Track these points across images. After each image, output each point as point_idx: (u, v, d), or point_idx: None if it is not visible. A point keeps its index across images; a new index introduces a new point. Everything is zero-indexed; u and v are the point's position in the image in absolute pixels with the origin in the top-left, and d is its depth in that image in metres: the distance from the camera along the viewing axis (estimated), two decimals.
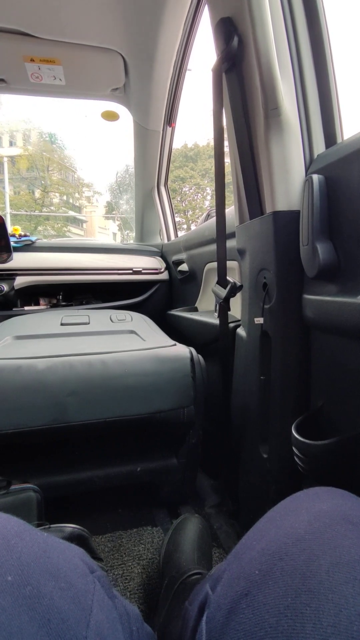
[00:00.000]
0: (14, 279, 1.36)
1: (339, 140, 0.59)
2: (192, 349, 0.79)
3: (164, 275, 1.59)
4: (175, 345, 0.83)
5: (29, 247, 1.43)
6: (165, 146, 1.58)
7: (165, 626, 0.50)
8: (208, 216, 1.42)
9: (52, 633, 0.22)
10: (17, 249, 1.38)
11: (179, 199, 17.28)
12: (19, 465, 0.73)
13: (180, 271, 1.43)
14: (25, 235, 1.43)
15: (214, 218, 0.75)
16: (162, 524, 0.83)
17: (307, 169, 0.58)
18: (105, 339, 0.93)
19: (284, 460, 0.61)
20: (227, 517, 0.83)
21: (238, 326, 0.78)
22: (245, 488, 0.75)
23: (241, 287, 0.70)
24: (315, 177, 0.51)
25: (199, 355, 0.78)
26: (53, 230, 17.07)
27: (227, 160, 0.73)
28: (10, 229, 1.35)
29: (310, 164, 0.58)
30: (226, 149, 0.72)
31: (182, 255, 1.41)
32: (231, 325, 0.78)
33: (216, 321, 0.88)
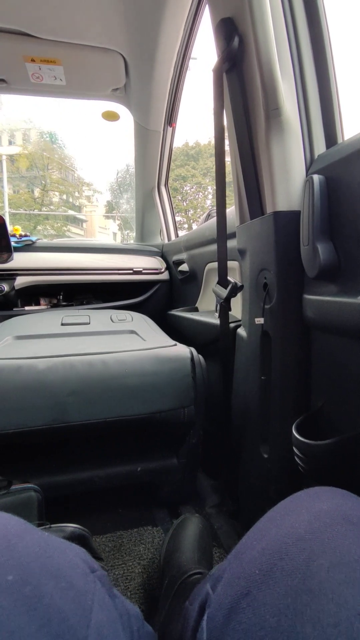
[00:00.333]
0: (15, 279, 1.36)
1: (339, 140, 0.59)
2: (193, 349, 0.79)
3: (165, 275, 1.59)
4: (175, 345, 0.83)
5: (29, 247, 1.43)
6: (165, 146, 1.58)
7: (165, 626, 0.50)
8: (208, 216, 1.42)
9: (53, 632, 0.22)
10: (17, 249, 1.38)
11: (180, 198, 17.19)
12: (20, 465, 0.73)
13: (180, 271, 1.43)
14: (25, 235, 1.43)
15: (215, 218, 0.75)
16: (162, 524, 0.83)
17: (307, 169, 0.58)
18: (105, 339, 0.93)
19: (284, 460, 0.61)
20: (227, 517, 0.83)
21: (238, 326, 0.78)
22: (246, 488, 0.75)
23: (242, 287, 0.70)
24: (315, 177, 0.51)
25: (200, 356, 0.78)
26: (53, 229, 17.00)
27: (228, 159, 0.73)
28: (10, 228, 1.35)
29: (310, 164, 0.58)
30: (227, 149, 0.72)
31: (183, 255, 1.41)
32: (232, 325, 0.78)
33: (217, 321, 0.88)
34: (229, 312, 0.77)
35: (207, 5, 0.68)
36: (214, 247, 1.04)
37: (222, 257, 0.74)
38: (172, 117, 1.47)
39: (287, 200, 0.58)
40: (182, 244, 1.41)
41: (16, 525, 0.28)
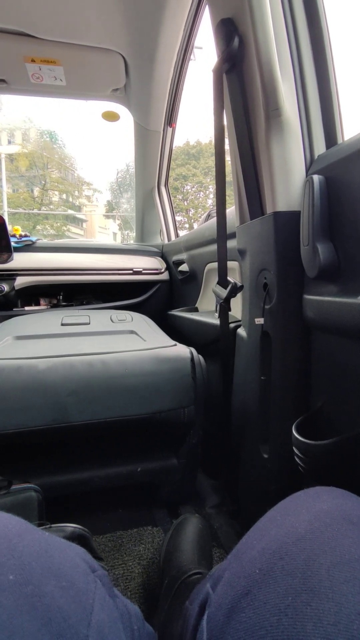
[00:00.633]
0: (15, 279, 1.36)
1: (339, 140, 0.59)
2: (193, 349, 0.79)
3: (165, 276, 1.59)
4: (175, 345, 0.83)
5: (29, 247, 1.43)
6: (165, 146, 1.58)
7: (166, 625, 0.50)
8: (209, 216, 1.42)
9: (54, 632, 0.22)
10: (17, 249, 1.38)
11: (180, 198, 17.12)
12: (20, 465, 0.73)
13: (180, 271, 1.44)
14: (25, 236, 1.43)
15: (215, 218, 0.75)
16: (162, 524, 0.83)
17: (307, 170, 0.58)
18: (105, 339, 0.93)
19: (284, 460, 0.61)
20: (227, 517, 0.83)
21: (238, 326, 0.78)
22: (246, 488, 0.75)
23: (242, 287, 0.70)
24: (315, 177, 0.51)
25: (200, 356, 0.78)
26: (52, 229, 16.93)
27: (228, 159, 0.73)
28: (10, 229, 1.35)
29: (310, 165, 0.58)
30: (227, 149, 0.72)
31: (183, 256, 1.41)
32: (232, 325, 0.78)
33: (217, 321, 0.88)
34: (229, 313, 0.77)
35: (207, 6, 0.68)
36: (214, 247, 1.04)
37: (222, 258, 0.74)
38: (172, 118, 1.47)
39: (287, 200, 0.58)
40: (182, 244, 1.41)
41: (17, 525, 0.28)
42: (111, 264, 1.51)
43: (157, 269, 1.58)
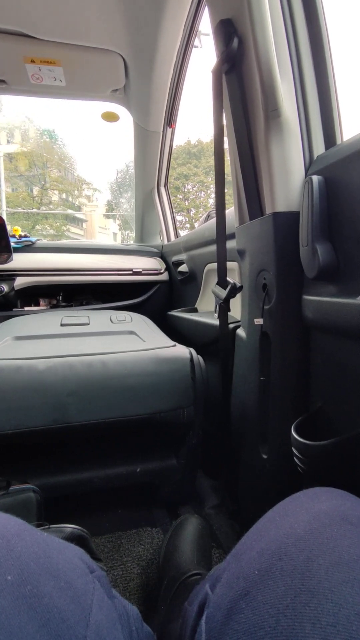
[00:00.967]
0: (14, 279, 1.36)
1: (338, 141, 0.59)
2: (192, 350, 0.79)
3: (164, 276, 1.59)
4: (175, 346, 0.83)
5: (29, 247, 1.43)
6: (165, 147, 1.58)
7: (164, 626, 0.50)
8: (208, 217, 1.42)
9: (52, 632, 0.22)
10: (17, 250, 1.38)
11: (181, 197, 17.02)
12: (19, 465, 0.73)
13: (180, 272, 1.44)
14: (25, 236, 1.43)
15: (214, 219, 0.75)
16: (161, 525, 0.83)
17: (306, 170, 0.58)
18: (105, 339, 0.93)
19: (284, 460, 0.61)
20: (226, 518, 0.83)
21: (238, 327, 0.78)
22: (245, 488, 0.75)
23: (241, 287, 0.70)
24: (315, 178, 0.51)
25: (199, 356, 0.78)
26: (52, 229, 16.84)
27: (228, 159, 0.73)
28: (10, 229, 1.35)
29: (310, 165, 0.58)
30: (226, 149, 0.72)
31: (182, 256, 1.41)
32: (231, 326, 0.78)
33: (216, 322, 0.88)
34: (229, 313, 0.77)
35: (206, 7, 0.68)
36: (213, 247, 1.04)
37: (222, 258, 0.74)
38: (172, 118, 1.47)
39: (287, 201, 0.58)
40: (181, 245, 1.41)
41: (15, 526, 0.28)
42: (111, 264, 1.51)
43: (156, 270, 1.58)
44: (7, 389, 0.63)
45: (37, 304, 1.50)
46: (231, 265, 0.91)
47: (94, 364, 0.69)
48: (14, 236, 1.41)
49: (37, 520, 0.55)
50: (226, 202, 0.73)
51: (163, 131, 1.50)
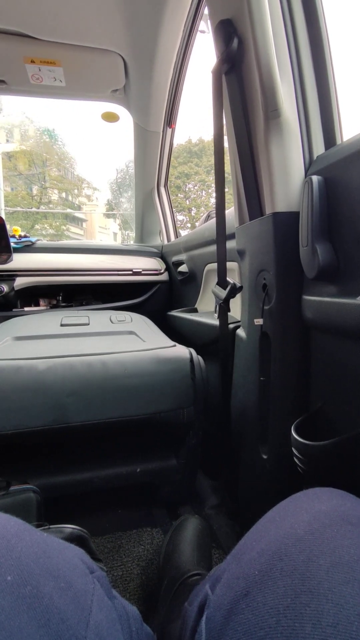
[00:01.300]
0: (14, 279, 1.36)
1: (338, 141, 0.59)
2: (192, 350, 0.79)
3: (164, 276, 1.59)
4: (175, 346, 0.83)
5: (29, 248, 1.43)
6: (165, 147, 1.58)
7: (164, 627, 0.50)
8: (208, 217, 1.42)
9: (52, 633, 0.22)
10: (17, 250, 1.38)
11: (182, 197, 16.89)
12: (19, 465, 0.73)
13: (180, 272, 1.44)
14: (25, 236, 1.43)
15: (214, 219, 0.75)
16: (161, 525, 0.83)
17: (306, 170, 0.58)
18: (105, 339, 0.93)
19: (284, 461, 0.61)
20: (226, 518, 0.83)
21: (238, 327, 0.78)
22: (245, 489, 0.75)
23: (241, 288, 0.70)
24: (314, 178, 0.51)
25: (199, 356, 0.78)
26: (51, 228, 16.73)
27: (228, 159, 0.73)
28: (9, 229, 1.35)
29: (309, 165, 0.58)
30: (226, 149, 0.73)
31: (182, 256, 1.41)
32: (231, 326, 0.78)
33: (216, 322, 0.88)
34: (229, 313, 0.77)
35: (206, 7, 0.68)
36: (213, 248, 1.04)
37: (222, 258, 0.74)
38: (172, 118, 1.47)
39: (286, 201, 0.58)
40: (181, 245, 1.41)
41: (15, 526, 0.28)
42: (111, 264, 1.51)
43: (156, 270, 1.58)
44: (7, 389, 0.63)
45: (37, 304, 1.50)
46: (231, 265, 0.91)
47: (94, 364, 0.69)
48: (13, 236, 1.41)
49: (37, 521, 0.55)
50: (226, 202, 0.73)
51: (163, 131, 1.50)
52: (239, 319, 0.81)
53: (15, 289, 1.36)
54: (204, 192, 17.02)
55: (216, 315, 0.85)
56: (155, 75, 1.24)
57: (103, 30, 1.12)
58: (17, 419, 0.63)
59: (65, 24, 1.08)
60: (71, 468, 0.74)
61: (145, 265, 1.56)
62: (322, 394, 0.57)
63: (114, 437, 0.80)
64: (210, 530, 0.75)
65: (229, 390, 0.79)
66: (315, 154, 0.58)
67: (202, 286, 1.28)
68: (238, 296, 0.75)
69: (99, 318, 1.16)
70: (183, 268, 1.41)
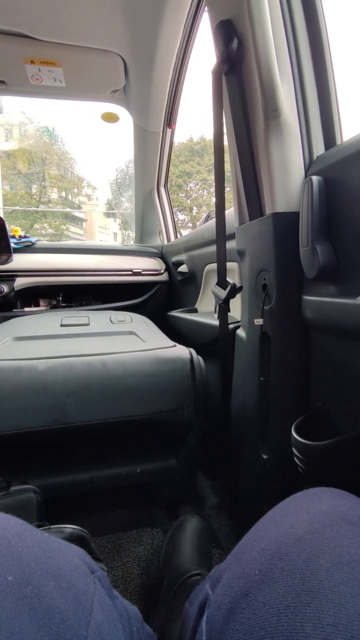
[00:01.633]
0: (14, 280, 1.36)
1: (338, 141, 0.59)
2: (192, 350, 0.79)
3: (164, 277, 1.59)
4: (175, 346, 0.84)
5: (29, 248, 1.43)
6: (165, 147, 1.59)
7: (165, 626, 0.50)
8: (208, 217, 1.42)
9: (53, 633, 0.22)
10: (17, 250, 1.38)
11: (184, 196, 16.76)
12: (19, 465, 0.73)
13: (180, 272, 1.44)
14: (25, 237, 1.43)
15: (214, 219, 0.75)
16: (162, 525, 0.83)
17: (306, 171, 0.58)
18: (105, 340, 0.93)
19: (284, 461, 0.61)
20: (227, 518, 0.83)
21: (238, 327, 0.78)
22: (245, 489, 0.75)
23: (241, 288, 0.70)
24: (314, 178, 0.51)
25: (199, 357, 0.78)
26: (51, 228, 16.58)
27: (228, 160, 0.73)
28: (9, 229, 1.36)
29: (309, 166, 0.58)
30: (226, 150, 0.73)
31: (182, 257, 1.41)
32: (231, 326, 0.78)
33: (216, 322, 0.88)
34: (228, 313, 0.77)
35: (206, 8, 0.68)
36: (213, 248, 1.04)
37: (222, 258, 0.74)
38: (172, 119, 1.48)
39: (286, 201, 0.58)
40: (181, 245, 1.41)
41: (16, 526, 0.28)
42: (111, 265, 1.51)
43: (156, 270, 1.58)
44: (7, 390, 0.63)
45: (37, 305, 1.50)
46: (231, 265, 0.91)
47: (94, 365, 0.69)
48: (13, 236, 1.41)
49: (38, 521, 0.55)
50: (226, 202, 0.73)
51: (163, 131, 1.51)
52: (238, 319, 0.81)
53: (15, 289, 1.36)
54: (205, 191, 16.88)
55: (216, 315, 0.85)
56: (155, 75, 1.24)
57: (103, 31, 1.12)
58: (17, 419, 0.63)
59: (65, 24, 1.09)
60: (71, 468, 0.74)
61: (145, 266, 1.56)
62: (322, 394, 0.57)
63: (114, 437, 0.80)
64: (210, 530, 0.75)
65: (229, 391, 0.79)
66: (315, 154, 0.58)
67: (202, 286, 1.28)
68: (238, 296, 0.75)
69: (99, 318, 1.16)
70: (183, 268, 1.41)
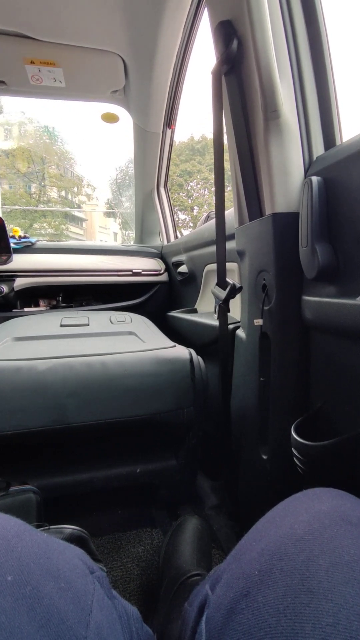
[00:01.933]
0: (14, 280, 1.36)
1: (338, 142, 0.59)
2: (192, 351, 0.79)
3: (164, 277, 1.60)
4: (174, 346, 0.84)
5: (28, 248, 1.43)
6: (165, 148, 1.59)
7: (164, 627, 0.50)
8: (208, 218, 1.42)
9: (52, 633, 0.22)
10: (17, 251, 1.38)
11: (185, 195, 16.63)
12: (19, 466, 0.73)
13: (180, 273, 1.44)
14: (25, 237, 1.43)
15: (214, 220, 0.75)
16: (161, 525, 0.83)
17: (306, 171, 0.58)
18: (104, 340, 0.93)
19: (284, 461, 0.61)
20: (226, 518, 0.83)
21: (237, 327, 0.78)
22: (245, 489, 0.75)
23: (241, 288, 0.70)
24: (314, 179, 0.51)
25: (199, 357, 0.78)
26: (50, 227, 16.44)
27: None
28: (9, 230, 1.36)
29: (309, 166, 0.58)
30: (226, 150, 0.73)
31: (182, 257, 1.41)
32: (231, 326, 0.78)
33: (216, 322, 0.88)
34: (228, 314, 0.77)
35: (206, 8, 0.68)
36: (213, 248, 1.04)
37: (221, 259, 0.74)
38: (172, 119, 1.48)
39: (286, 201, 0.58)
40: (181, 246, 1.41)
41: (15, 526, 0.28)
42: (110, 265, 1.51)
43: (156, 270, 1.58)
44: (7, 390, 0.63)
45: (37, 305, 1.50)
46: (231, 266, 0.91)
47: (93, 365, 0.69)
48: (13, 237, 1.41)
49: (37, 521, 0.55)
50: (226, 202, 0.73)
51: (163, 132, 1.51)
52: (238, 319, 0.81)
53: (15, 289, 1.36)
54: (206, 190, 16.73)
55: (216, 315, 0.85)
56: (155, 76, 1.24)
57: (103, 31, 1.12)
58: (17, 419, 0.63)
59: (65, 24, 1.09)
60: (71, 468, 0.74)
61: (145, 266, 1.56)
62: (322, 394, 0.57)
63: (114, 438, 0.80)
64: (210, 531, 0.75)
65: (229, 391, 0.79)
66: (315, 155, 0.58)
67: (201, 287, 1.28)
68: (238, 297, 0.75)
69: (99, 318, 1.16)
70: (183, 269, 1.41)
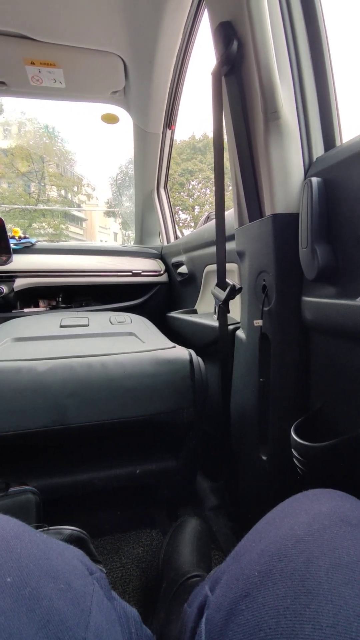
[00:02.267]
0: (14, 280, 1.36)
1: (337, 143, 0.60)
2: (192, 351, 0.79)
3: (164, 278, 1.60)
4: (174, 347, 0.84)
5: (28, 249, 1.43)
6: (165, 148, 1.59)
7: (164, 628, 0.50)
8: (207, 218, 1.42)
9: (51, 634, 0.22)
10: (16, 251, 1.38)
11: (186, 195, 16.49)
12: (19, 466, 0.73)
13: (179, 273, 1.44)
14: (25, 237, 1.43)
15: (214, 220, 0.75)
16: (161, 526, 0.83)
17: (306, 172, 0.58)
18: (104, 340, 0.93)
19: (283, 462, 0.61)
20: (226, 519, 0.83)
21: (237, 328, 0.78)
22: (245, 490, 0.75)
23: (240, 289, 0.70)
24: (314, 179, 0.51)
25: (199, 357, 0.78)
26: (50, 227, 16.31)
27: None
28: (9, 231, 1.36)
29: (309, 167, 0.58)
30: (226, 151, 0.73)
31: (182, 258, 1.41)
32: (230, 327, 0.78)
33: (215, 323, 0.88)
34: (228, 314, 0.77)
35: (206, 9, 0.68)
36: (213, 249, 1.04)
37: (221, 260, 0.74)
38: (172, 120, 1.48)
39: (286, 202, 0.58)
40: (181, 246, 1.42)
41: (15, 527, 0.28)
42: (110, 265, 1.51)
43: (156, 271, 1.58)
44: (6, 390, 0.63)
45: (37, 305, 1.50)
46: (231, 266, 0.91)
47: (93, 365, 0.69)
48: (13, 237, 1.41)
49: (37, 522, 0.55)
50: (226, 203, 0.73)
51: (163, 132, 1.51)
52: (238, 320, 0.81)
53: (15, 290, 1.36)
54: (207, 189, 16.55)
55: (216, 316, 0.85)
56: (155, 76, 1.24)
57: (103, 32, 1.12)
58: (16, 420, 0.63)
59: (65, 25, 1.09)
60: (71, 469, 0.74)
61: (145, 267, 1.56)
62: (322, 395, 0.57)
63: (114, 438, 0.80)
64: (209, 532, 0.75)
65: (229, 392, 0.79)
66: (315, 156, 0.59)
67: (201, 287, 1.28)
68: (237, 297, 0.75)
69: (99, 319, 1.16)
70: (183, 269, 1.41)
